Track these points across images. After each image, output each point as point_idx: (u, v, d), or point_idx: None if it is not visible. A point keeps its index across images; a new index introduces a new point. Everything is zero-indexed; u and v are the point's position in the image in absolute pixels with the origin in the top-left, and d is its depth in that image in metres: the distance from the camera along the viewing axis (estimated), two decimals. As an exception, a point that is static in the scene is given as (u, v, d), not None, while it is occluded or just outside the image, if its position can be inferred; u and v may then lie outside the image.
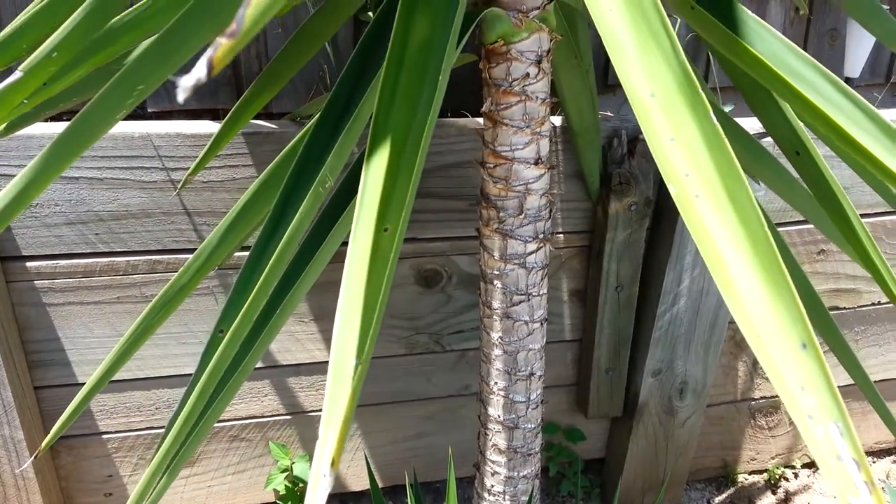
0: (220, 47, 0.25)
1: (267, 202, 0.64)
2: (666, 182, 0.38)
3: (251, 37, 0.26)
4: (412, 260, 1.27)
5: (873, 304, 1.50)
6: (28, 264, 1.13)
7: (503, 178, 0.76)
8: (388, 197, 0.39)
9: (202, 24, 0.48)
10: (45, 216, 1.10)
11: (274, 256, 0.52)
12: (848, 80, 1.44)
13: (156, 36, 0.49)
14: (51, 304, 1.16)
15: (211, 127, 1.12)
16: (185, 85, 0.25)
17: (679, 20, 1.31)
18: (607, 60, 1.42)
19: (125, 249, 1.15)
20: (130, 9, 0.55)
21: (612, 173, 1.22)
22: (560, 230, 1.29)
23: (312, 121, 0.59)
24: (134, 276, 1.16)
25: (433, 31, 0.44)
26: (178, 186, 1.12)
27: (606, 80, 1.45)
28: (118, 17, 0.54)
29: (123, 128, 1.09)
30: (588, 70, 0.98)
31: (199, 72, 0.25)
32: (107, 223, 1.12)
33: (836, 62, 1.49)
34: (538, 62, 0.73)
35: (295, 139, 0.64)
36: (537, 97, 0.74)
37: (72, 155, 0.50)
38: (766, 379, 1.55)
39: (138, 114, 1.30)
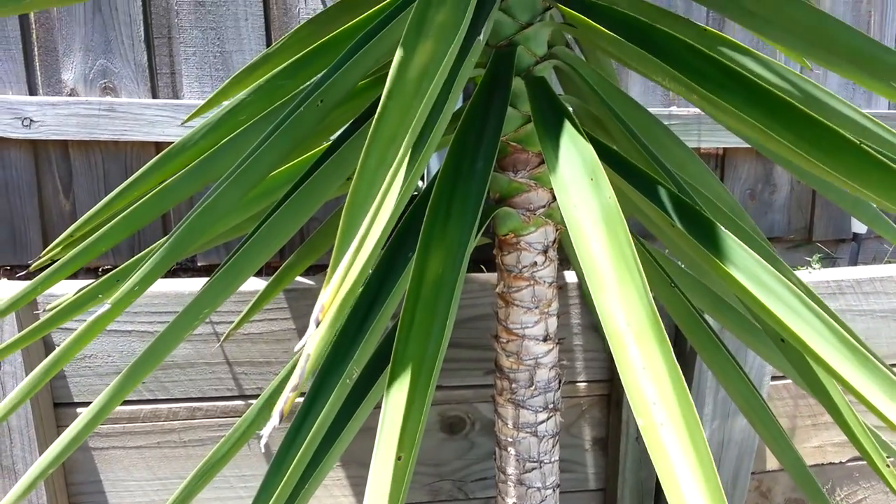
0: (288, 400, 0.33)
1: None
2: (634, 413, 0.45)
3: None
4: (438, 407, 1.33)
5: (901, 455, 1.49)
6: (78, 410, 1.22)
7: (515, 352, 0.84)
8: (403, 429, 0.46)
9: (252, 261, 0.58)
10: (97, 366, 1.20)
11: (304, 445, 0.59)
12: (856, 235, 1.51)
13: (217, 273, 0.59)
14: (96, 448, 1.23)
15: (255, 284, 1.23)
16: (265, 433, 0.34)
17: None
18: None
19: (168, 397, 1.23)
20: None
21: (627, 328, 1.28)
22: (581, 379, 1.34)
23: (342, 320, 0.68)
24: (174, 423, 1.24)
25: (444, 269, 0.53)
26: (222, 339, 1.22)
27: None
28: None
29: (175, 286, 1.20)
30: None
31: (274, 421, 0.34)
32: (153, 372, 1.21)
33: (844, 217, 1.57)
34: (545, 251, 0.82)
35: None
36: (545, 281, 0.82)
37: (144, 373, 0.59)
38: (797, 531, 1.52)
39: (188, 267, 1.42)
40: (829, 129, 0.48)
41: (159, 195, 0.71)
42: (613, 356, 0.48)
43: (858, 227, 1.50)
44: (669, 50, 0.56)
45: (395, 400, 0.47)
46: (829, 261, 1.61)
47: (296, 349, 0.33)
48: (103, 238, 0.71)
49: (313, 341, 0.33)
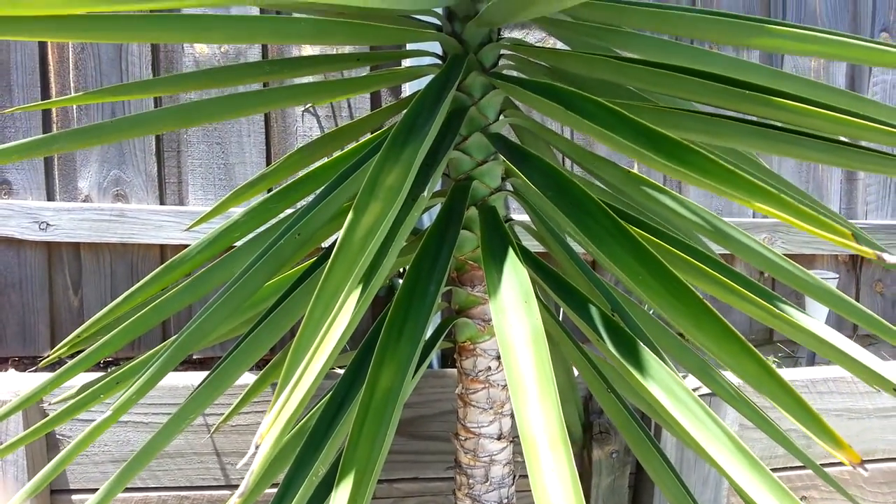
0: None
1: (272, 477, 0.81)
2: (538, 509, 0.54)
3: (257, 495, 0.44)
4: (415, 499, 1.39)
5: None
6: (73, 497, 1.29)
7: (472, 449, 0.92)
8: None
9: (243, 363, 0.69)
10: (94, 454, 1.28)
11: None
12: (811, 336, 1.61)
13: (206, 380, 0.69)
14: (87, 534, 1.29)
15: (245, 378, 1.32)
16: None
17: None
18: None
19: (158, 485, 1.30)
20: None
21: (592, 423, 1.36)
22: (551, 472, 1.41)
23: (314, 419, 0.77)
24: (162, 511, 1.30)
25: (394, 382, 0.63)
26: (212, 430, 1.30)
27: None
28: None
29: (171, 380, 1.29)
30: (558, 343, 1.16)
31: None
32: (146, 462, 1.28)
33: (801, 318, 1.67)
34: (498, 357, 0.92)
35: (300, 424, 0.82)
36: (499, 385, 0.92)
37: (137, 471, 0.68)
38: None
39: (184, 359, 1.52)
40: (682, 284, 0.60)
41: (159, 307, 0.82)
42: (525, 457, 0.57)
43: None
44: (581, 201, 0.68)
45: (341, 495, 0.56)
46: (791, 360, 1.70)
47: (238, 466, 0.42)
48: (107, 344, 0.81)
49: (258, 459, 0.43)
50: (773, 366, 0.57)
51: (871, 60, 0.58)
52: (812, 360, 1.61)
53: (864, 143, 0.65)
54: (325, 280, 0.51)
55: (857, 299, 1.76)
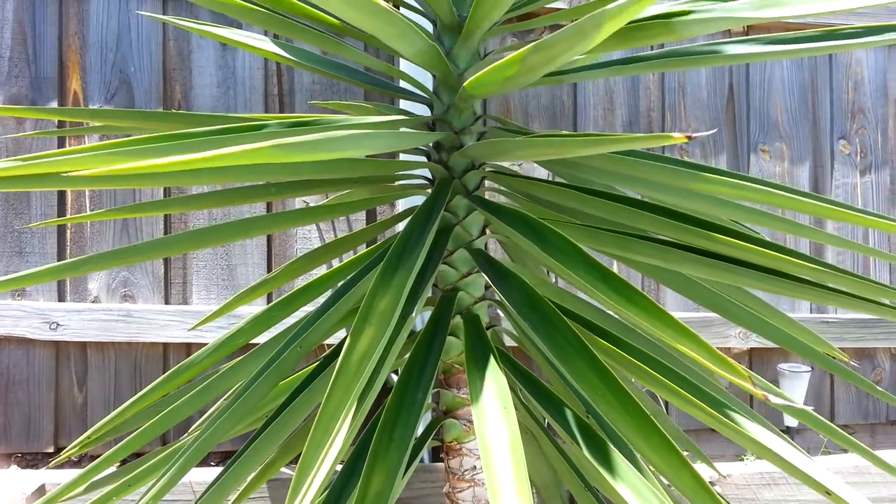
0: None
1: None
2: None
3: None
4: None
5: None
6: None
7: (459, 547, 0.97)
8: None
9: (251, 464, 0.76)
10: (92, 552, 1.31)
11: None
12: (788, 429, 1.67)
13: (221, 477, 0.76)
14: None
15: (240, 475, 1.37)
16: None
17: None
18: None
19: (154, 583, 1.32)
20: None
21: (579, 517, 1.40)
22: (540, 567, 1.43)
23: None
24: None
25: (384, 485, 0.70)
26: (207, 527, 1.34)
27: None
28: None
29: (170, 477, 1.34)
30: (540, 441, 1.23)
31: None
32: (143, 559, 1.31)
33: (776, 412, 1.73)
34: (484, 457, 0.98)
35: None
36: (483, 484, 0.98)
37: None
38: None
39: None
40: (635, 402, 0.68)
41: (172, 412, 0.89)
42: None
43: (790, 420, 1.67)
44: (551, 317, 0.77)
45: None
46: (771, 450, 1.75)
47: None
48: (115, 454, 0.88)
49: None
50: (706, 481, 0.65)
51: (793, 207, 0.68)
52: (791, 452, 1.66)
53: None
54: (324, 406, 0.59)
55: (832, 390, 1.83)
